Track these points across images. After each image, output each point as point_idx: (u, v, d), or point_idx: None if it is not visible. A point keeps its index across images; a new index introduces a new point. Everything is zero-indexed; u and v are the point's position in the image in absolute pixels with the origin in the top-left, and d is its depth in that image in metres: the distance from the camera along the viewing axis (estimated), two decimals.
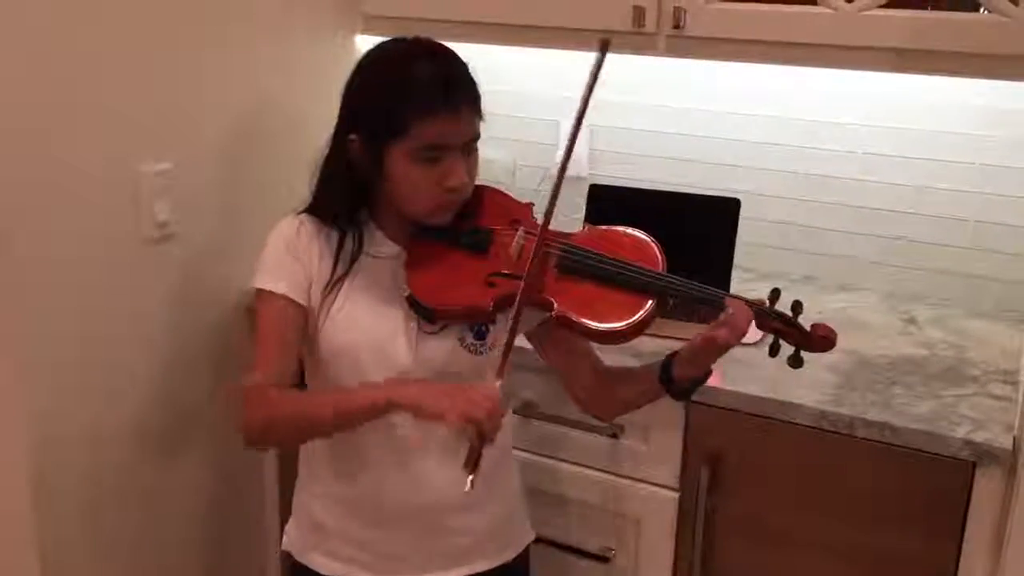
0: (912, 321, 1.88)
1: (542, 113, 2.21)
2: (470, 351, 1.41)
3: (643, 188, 2.00)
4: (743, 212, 1.86)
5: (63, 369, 1.57)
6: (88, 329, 1.60)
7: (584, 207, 1.94)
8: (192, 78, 1.72)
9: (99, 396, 1.64)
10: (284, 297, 1.38)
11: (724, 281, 1.82)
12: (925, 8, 1.69)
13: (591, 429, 1.68)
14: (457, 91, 1.34)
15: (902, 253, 1.99)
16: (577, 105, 1.35)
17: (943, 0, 1.72)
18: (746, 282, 1.95)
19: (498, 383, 1.27)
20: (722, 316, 1.31)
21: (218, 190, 1.80)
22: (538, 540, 1.71)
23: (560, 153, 1.42)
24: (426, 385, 1.32)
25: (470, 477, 1.23)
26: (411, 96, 1.32)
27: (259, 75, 1.86)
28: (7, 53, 1.42)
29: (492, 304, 1.36)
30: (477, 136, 1.38)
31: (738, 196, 1.87)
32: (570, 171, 2.14)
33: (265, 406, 1.33)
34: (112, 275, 1.64)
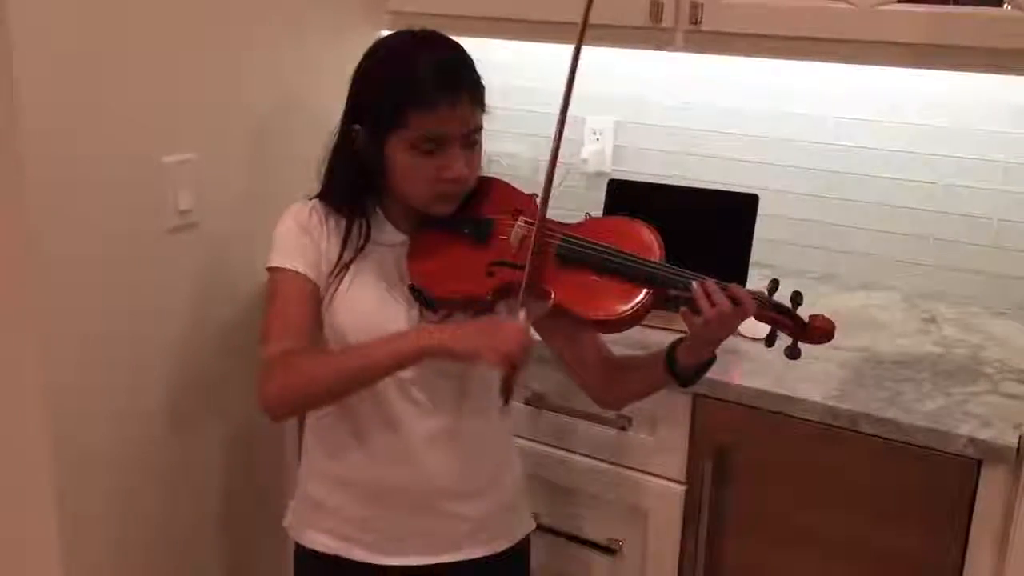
0: (932, 320, 1.86)
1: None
2: None
3: (661, 183, 2.00)
4: (764, 209, 1.85)
5: (86, 347, 1.62)
6: (111, 310, 1.65)
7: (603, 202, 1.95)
8: (218, 74, 1.77)
9: (120, 374, 1.69)
10: (301, 275, 1.41)
11: (741, 277, 1.82)
12: (947, 3, 1.68)
13: (600, 420, 1.69)
14: (457, 83, 1.35)
15: (925, 251, 1.97)
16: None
17: None
18: (767, 279, 1.93)
19: (523, 314, 1.31)
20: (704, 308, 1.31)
21: (241, 180, 1.84)
22: (546, 530, 1.73)
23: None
24: (454, 328, 1.33)
25: (505, 402, 1.36)
26: (410, 87, 1.34)
27: (283, 70, 1.90)
28: (35, 56, 1.48)
29: (491, 293, 1.38)
30: (478, 128, 1.40)
31: (759, 192, 1.86)
32: (594, 167, 2.22)
33: (293, 374, 1.34)
34: (136, 257, 1.68)
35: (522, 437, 1.72)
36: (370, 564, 1.48)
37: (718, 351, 1.39)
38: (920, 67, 1.70)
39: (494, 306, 1.40)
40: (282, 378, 1.34)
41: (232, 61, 1.80)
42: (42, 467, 1.61)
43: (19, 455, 1.64)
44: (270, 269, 1.43)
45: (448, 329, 1.32)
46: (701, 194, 1.93)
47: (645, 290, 1.34)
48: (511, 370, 1.28)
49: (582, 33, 1.38)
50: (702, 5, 1.77)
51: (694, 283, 1.32)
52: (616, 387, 1.51)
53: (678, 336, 1.40)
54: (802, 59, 1.77)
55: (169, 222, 1.72)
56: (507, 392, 1.33)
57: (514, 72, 2.13)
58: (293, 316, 1.40)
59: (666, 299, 1.37)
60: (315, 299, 1.42)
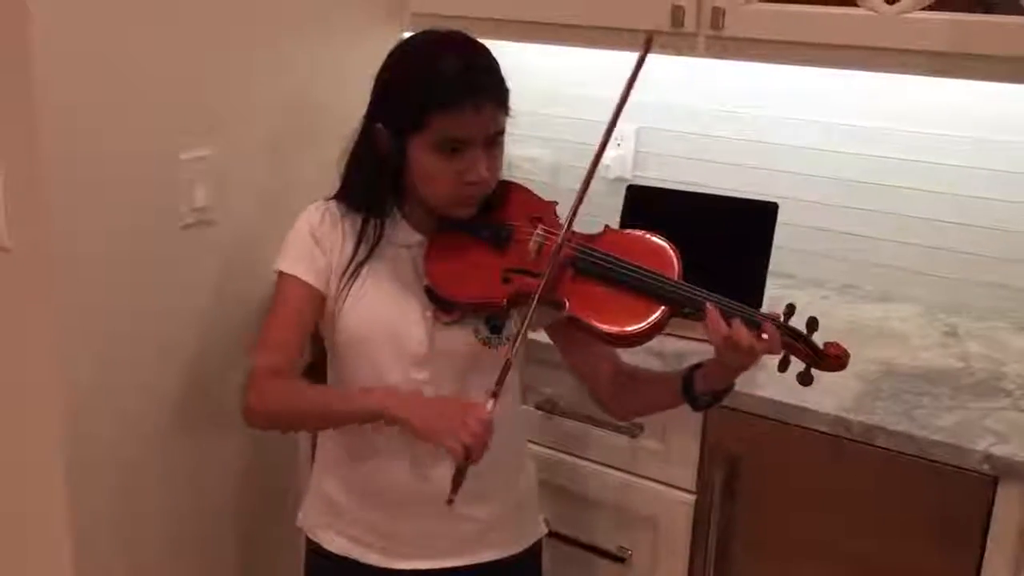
0: (953, 333, 1.83)
1: (588, 113, 2.21)
2: (484, 344, 1.42)
3: (680, 190, 1.99)
4: (785, 218, 1.83)
5: (100, 344, 1.62)
6: (126, 306, 1.65)
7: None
8: (236, 72, 1.77)
9: (134, 372, 1.69)
10: (303, 282, 1.42)
11: (759, 286, 1.79)
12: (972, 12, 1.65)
13: (611, 427, 1.68)
14: (481, 85, 1.34)
15: (947, 263, 1.94)
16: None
17: (992, 4, 1.67)
18: (787, 288, 1.92)
19: (490, 405, 1.28)
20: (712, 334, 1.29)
21: (258, 178, 1.84)
22: (556, 536, 1.72)
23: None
24: (421, 403, 1.34)
25: (451, 495, 1.27)
26: (434, 89, 1.33)
27: (303, 70, 1.90)
28: (54, 53, 1.48)
29: (506, 300, 1.37)
30: (501, 131, 1.39)
31: (779, 201, 1.84)
32: (615, 172, 2.20)
33: (263, 396, 1.39)
34: (151, 253, 1.68)
35: (533, 442, 1.71)
36: (384, 568, 1.48)
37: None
38: (944, 76, 1.67)
39: (508, 312, 1.39)
40: (269, 399, 1.40)
41: (252, 59, 1.80)
42: (54, 466, 1.62)
43: (31, 453, 1.65)
44: (277, 272, 1.45)
45: (416, 402, 1.33)
46: (720, 201, 1.91)
47: (661, 308, 1.33)
48: (464, 461, 1.25)
49: (635, 75, 1.36)
50: (724, 10, 1.75)
51: (708, 304, 1.30)
52: (627, 399, 1.50)
53: (697, 347, 1.38)
54: (825, 66, 1.75)
55: (185, 219, 1.72)
56: (456, 483, 1.26)
57: (536, 76, 2.12)
58: (285, 327, 1.43)
59: (679, 314, 1.36)
60: (314, 307, 1.43)
